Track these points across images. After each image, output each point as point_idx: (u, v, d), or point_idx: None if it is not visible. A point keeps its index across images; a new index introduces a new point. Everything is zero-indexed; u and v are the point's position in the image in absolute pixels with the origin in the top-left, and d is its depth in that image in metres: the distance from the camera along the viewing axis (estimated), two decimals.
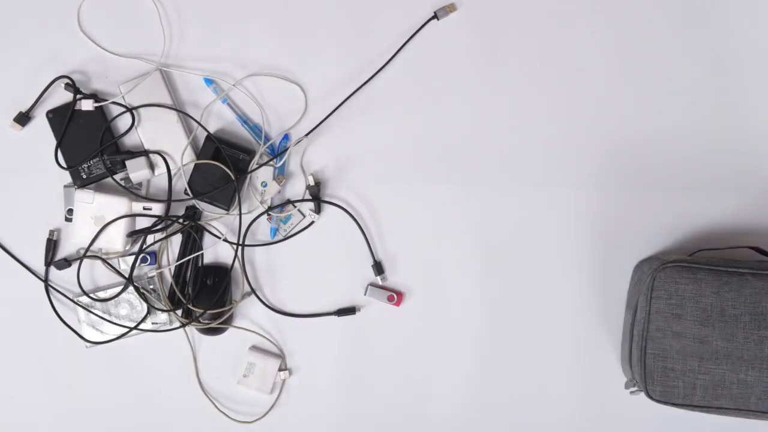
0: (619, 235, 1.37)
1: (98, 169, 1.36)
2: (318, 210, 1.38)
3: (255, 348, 1.40)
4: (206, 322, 1.36)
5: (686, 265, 1.21)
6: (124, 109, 1.37)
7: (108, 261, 1.36)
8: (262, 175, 1.38)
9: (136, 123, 1.36)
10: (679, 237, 1.37)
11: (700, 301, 1.20)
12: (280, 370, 1.39)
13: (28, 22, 1.38)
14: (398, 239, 1.38)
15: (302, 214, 1.39)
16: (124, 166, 1.36)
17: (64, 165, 1.37)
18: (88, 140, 1.36)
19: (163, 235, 1.37)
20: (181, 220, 1.36)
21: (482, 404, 1.39)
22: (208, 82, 1.38)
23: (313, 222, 1.39)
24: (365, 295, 1.38)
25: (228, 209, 1.36)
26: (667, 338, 1.20)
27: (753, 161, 1.36)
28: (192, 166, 1.37)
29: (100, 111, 1.37)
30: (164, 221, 1.35)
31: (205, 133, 1.38)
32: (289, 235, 1.39)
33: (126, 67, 1.38)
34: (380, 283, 1.38)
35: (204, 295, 1.36)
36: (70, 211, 1.37)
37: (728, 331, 1.19)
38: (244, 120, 1.38)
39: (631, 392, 1.27)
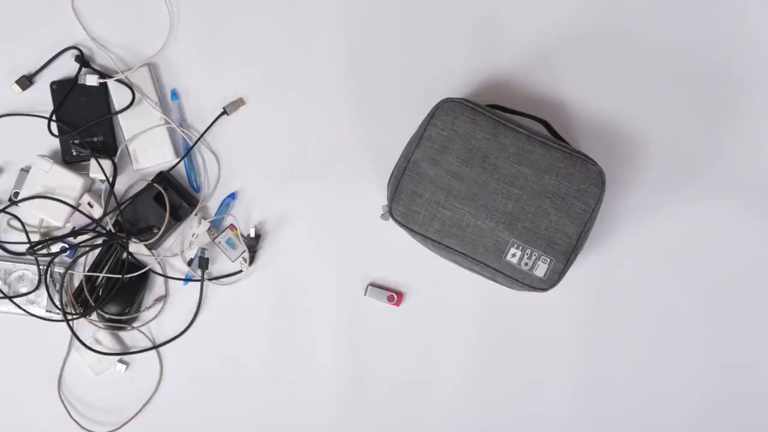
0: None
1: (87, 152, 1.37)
2: (251, 262, 1.37)
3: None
4: (113, 317, 1.35)
5: (470, 106, 1.23)
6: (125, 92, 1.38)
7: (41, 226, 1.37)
8: (196, 227, 1.38)
9: (135, 102, 1.37)
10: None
11: (469, 141, 1.21)
12: (120, 362, 1.36)
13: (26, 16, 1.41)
14: (399, 239, 1.37)
15: (223, 249, 1.38)
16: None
17: (56, 133, 1.37)
18: (87, 119, 1.38)
19: (88, 247, 1.36)
20: (109, 236, 1.36)
21: (482, 404, 1.35)
22: (174, 95, 1.40)
23: (241, 271, 1.38)
24: (365, 295, 1.36)
25: (153, 247, 1.37)
26: (426, 165, 1.21)
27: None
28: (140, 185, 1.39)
29: (104, 91, 1.38)
30: (95, 230, 1.35)
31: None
32: (212, 278, 1.38)
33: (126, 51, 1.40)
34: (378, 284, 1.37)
35: (117, 291, 1.35)
36: (16, 194, 1.39)
37: (483, 177, 1.20)
38: (193, 176, 1.40)
39: (382, 215, 1.24)
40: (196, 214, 1.37)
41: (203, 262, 1.35)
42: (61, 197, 1.34)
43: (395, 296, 1.36)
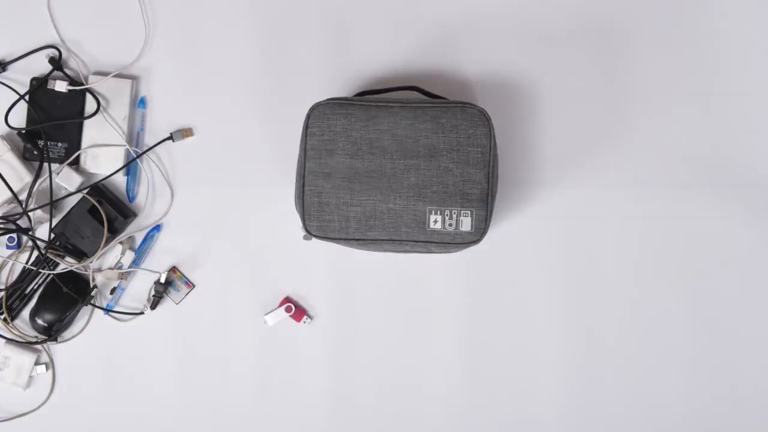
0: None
1: (53, 153, 1.38)
2: (153, 306, 1.38)
3: (11, 341, 1.37)
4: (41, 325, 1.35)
5: (338, 102, 1.25)
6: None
7: None
8: (120, 256, 1.39)
9: (100, 110, 1.38)
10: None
11: (350, 135, 1.24)
12: (36, 364, 1.37)
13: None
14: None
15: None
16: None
17: (15, 127, 1.37)
18: (58, 123, 1.38)
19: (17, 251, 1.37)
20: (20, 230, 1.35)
21: (470, 404, 1.39)
22: (142, 103, 1.40)
23: (142, 313, 1.39)
24: (265, 320, 1.38)
25: (84, 257, 1.37)
26: (322, 174, 1.24)
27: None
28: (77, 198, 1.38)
29: (81, 99, 1.38)
30: (14, 221, 1.34)
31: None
32: (115, 314, 1.39)
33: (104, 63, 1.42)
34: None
35: (52, 299, 1.35)
36: None
37: (377, 162, 1.24)
38: (132, 186, 1.40)
39: (303, 236, 1.29)
40: (122, 243, 1.39)
41: (161, 287, 1.38)
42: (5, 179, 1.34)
43: (293, 308, 1.38)
